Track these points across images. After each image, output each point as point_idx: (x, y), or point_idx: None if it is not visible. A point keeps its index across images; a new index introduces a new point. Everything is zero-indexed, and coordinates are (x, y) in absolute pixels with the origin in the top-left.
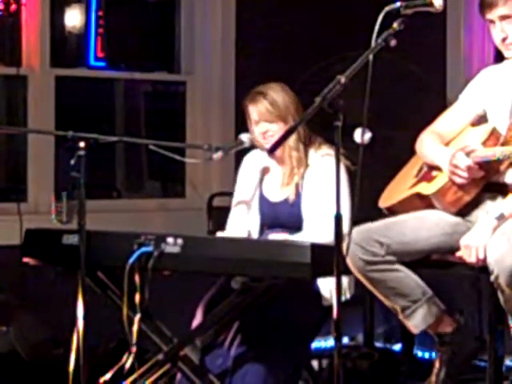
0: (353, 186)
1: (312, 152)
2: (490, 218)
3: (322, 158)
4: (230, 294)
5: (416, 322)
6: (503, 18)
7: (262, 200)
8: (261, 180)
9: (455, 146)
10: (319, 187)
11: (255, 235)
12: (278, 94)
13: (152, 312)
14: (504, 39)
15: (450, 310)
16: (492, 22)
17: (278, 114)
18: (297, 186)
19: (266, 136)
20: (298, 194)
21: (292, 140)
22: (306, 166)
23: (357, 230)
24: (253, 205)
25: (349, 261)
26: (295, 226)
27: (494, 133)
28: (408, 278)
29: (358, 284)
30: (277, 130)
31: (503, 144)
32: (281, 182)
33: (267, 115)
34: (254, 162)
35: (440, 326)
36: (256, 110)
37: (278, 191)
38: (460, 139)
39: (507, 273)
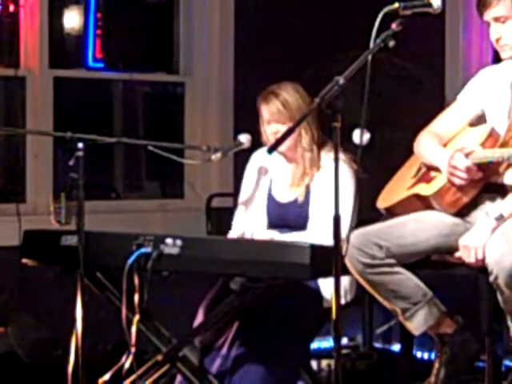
0: (359, 191)
1: (323, 154)
2: (489, 218)
3: (333, 161)
4: (230, 295)
5: (416, 324)
6: (496, 19)
7: (270, 200)
8: (269, 179)
9: (453, 147)
10: (328, 189)
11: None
12: (290, 94)
13: (151, 313)
14: (497, 40)
15: (449, 311)
16: (488, 23)
17: (290, 115)
18: (307, 187)
19: (276, 136)
20: (307, 196)
21: (306, 141)
22: (318, 167)
23: (355, 233)
24: (260, 204)
25: (348, 264)
26: (302, 227)
27: (492, 134)
28: (408, 280)
29: (357, 285)
30: (282, 128)
31: (502, 145)
32: (290, 182)
33: (278, 116)
34: (261, 160)
35: (440, 328)
36: (268, 111)
37: (286, 191)
38: (458, 140)
39: (506, 273)
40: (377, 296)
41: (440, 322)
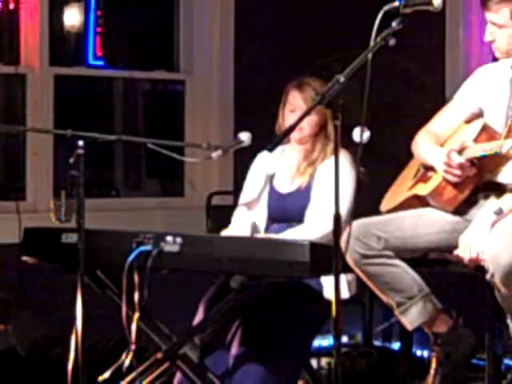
0: (359, 187)
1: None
2: (488, 213)
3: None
4: (230, 293)
5: (410, 319)
6: (493, 23)
7: (272, 192)
8: (271, 178)
9: (451, 145)
10: (327, 182)
11: (261, 229)
12: (319, 87)
13: (151, 311)
14: (491, 42)
15: (447, 309)
16: (487, 21)
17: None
18: (311, 176)
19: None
20: (309, 183)
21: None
22: (325, 156)
23: (356, 223)
24: (261, 200)
25: (346, 254)
26: (301, 217)
27: (485, 128)
28: (405, 273)
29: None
30: (307, 120)
31: None
32: (295, 171)
33: (310, 103)
34: (265, 162)
35: (435, 325)
36: (301, 97)
37: (288, 182)
38: (455, 138)
39: (502, 271)
40: (373, 288)
41: (435, 318)
